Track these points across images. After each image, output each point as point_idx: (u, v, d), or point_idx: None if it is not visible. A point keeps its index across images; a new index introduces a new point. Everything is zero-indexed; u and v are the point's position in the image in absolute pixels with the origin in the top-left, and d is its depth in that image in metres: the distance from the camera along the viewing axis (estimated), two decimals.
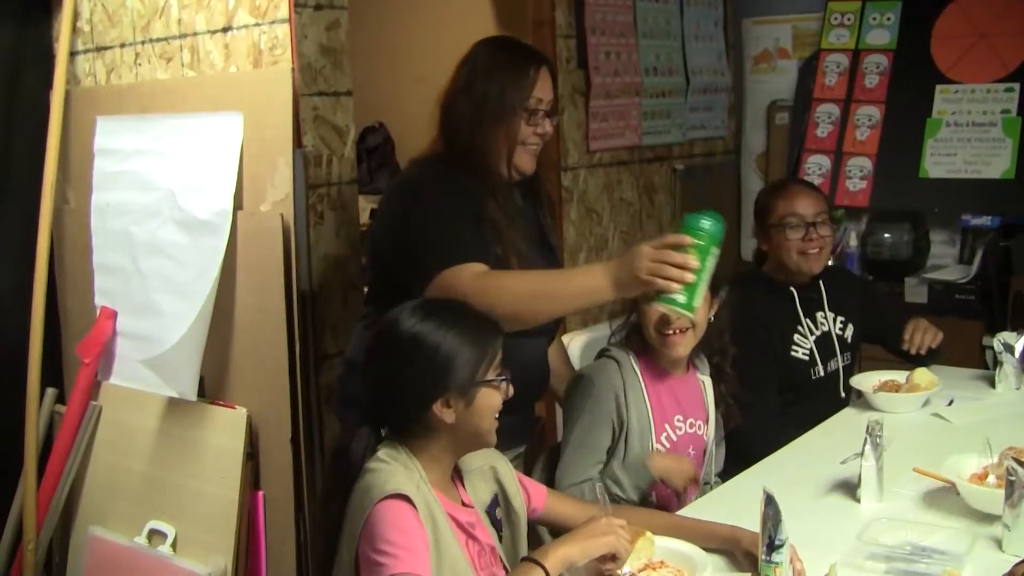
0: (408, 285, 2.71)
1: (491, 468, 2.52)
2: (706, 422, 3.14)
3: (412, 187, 2.97)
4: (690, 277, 2.44)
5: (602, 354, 3.09)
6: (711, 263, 2.50)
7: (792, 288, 3.75)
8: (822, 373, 3.76)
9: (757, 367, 3.55)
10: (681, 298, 2.46)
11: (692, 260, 2.45)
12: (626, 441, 2.97)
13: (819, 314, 3.79)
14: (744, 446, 3.33)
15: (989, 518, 2.58)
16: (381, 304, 2.81)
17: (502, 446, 2.57)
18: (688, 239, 2.46)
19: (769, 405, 3.57)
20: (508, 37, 3.32)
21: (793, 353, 3.72)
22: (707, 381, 3.17)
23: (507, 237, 2.86)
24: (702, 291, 2.50)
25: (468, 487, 2.46)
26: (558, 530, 2.62)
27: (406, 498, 2.20)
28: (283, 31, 3.46)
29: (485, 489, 2.50)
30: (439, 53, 6.77)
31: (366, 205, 6.21)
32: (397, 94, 6.86)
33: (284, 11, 3.45)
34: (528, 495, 2.59)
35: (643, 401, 3.00)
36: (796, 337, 3.73)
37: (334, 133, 3.58)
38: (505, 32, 6.42)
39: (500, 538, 2.49)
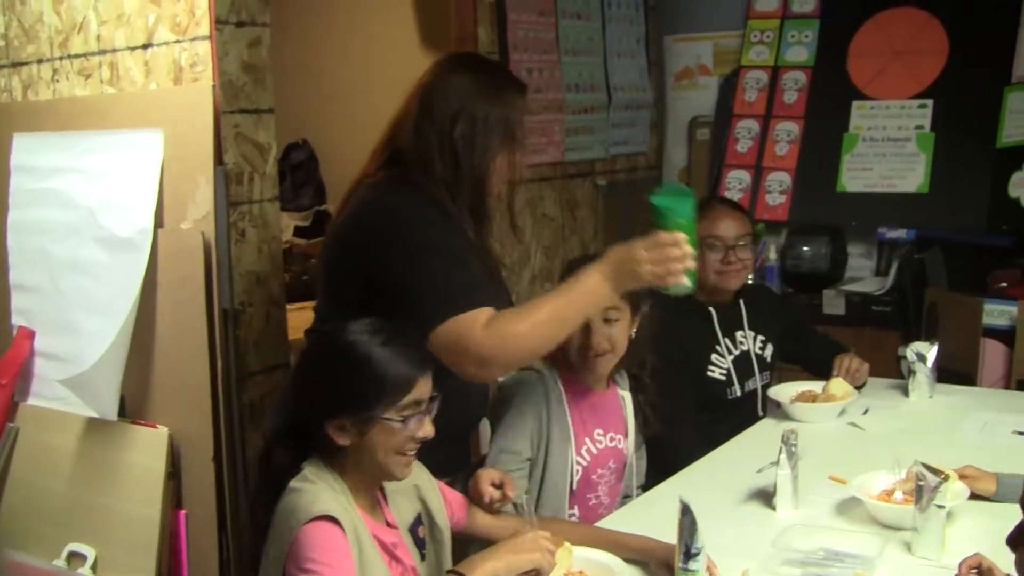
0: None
1: (414, 486, 2.52)
2: (625, 436, 3.17)
3: (396, 219, 2.71)
4: (691, 263, 2.52)
5: (525, 367, 3.12)
6: (696, 238, 2.57)
7: (711, 308, 3.78)
8: (739, 393, 3.79)
9: (674, 382, 3.59)
10: (688, 282, 2.54)
11: (688, 247, 2.51)
12: (547, 453, 3.00)
13: (739, 333, 3.83)
14: (664, 459, 3.37)
15: (900, 524, 2.63)
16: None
17: (443, 474, 2.65)
18: (681, 236, 2.50)
19: (686, 420, 3.60)
20: (480, 57, 3.34)
21: (709, 373, 3.75)
22: (627, 396, 3.20)
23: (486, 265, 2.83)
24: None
25: (391, 506, 2.46)
26: (483, 543, 2.64)
27: (333, 519, 2.20)
28: (204, 48, 3.46)
29: (408, 508, 2.50)
30: (363, 70, 6.86)
31: (289, 222, 6.22)
32: (321, 111, 6.86)
33: (205, 28, 3.45)
34: (452, 509, 2.61)
35: (564, 415, 3.03)
36: (713, 356, 3.76)
37: (256, 150, 3.57)
38: (429, 48, 6.46)
39: (423, 556, 2.49)
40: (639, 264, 2.51)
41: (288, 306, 3.79)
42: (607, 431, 3.13)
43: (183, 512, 3.47)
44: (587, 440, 3.07)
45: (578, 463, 3.04)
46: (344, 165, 7.01)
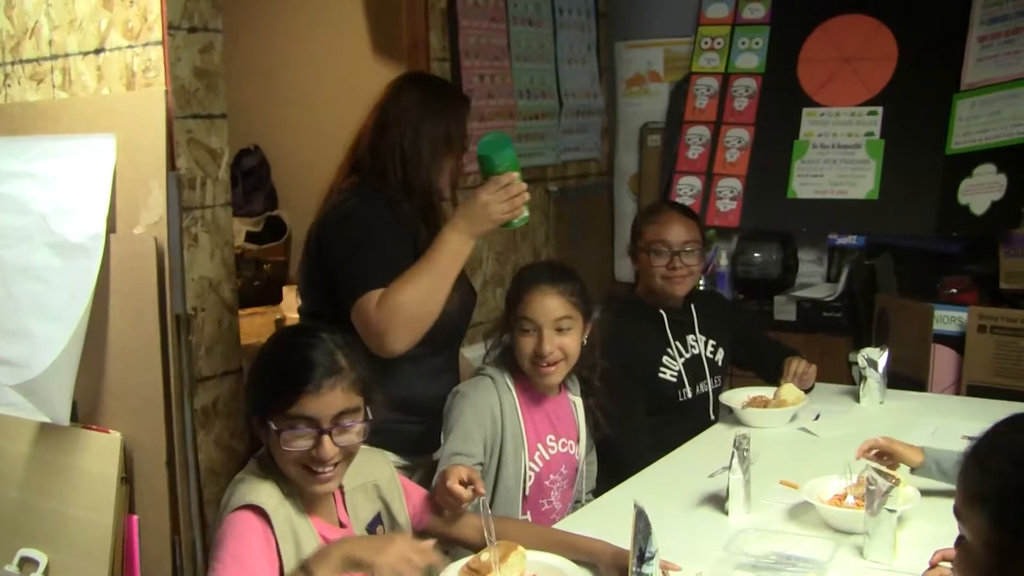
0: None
1: (374, 485, 2.53)
2: (577, 442, 3.19)
3: (345, 221, 3.07)
4: (527, 195, 2.94)
5: (478, 372, 3.12)
6: (519, 174, 2.96)
7: (661, 311, 3.80)
8: (690, 395, 3.80)
9: (626, 386, 3.61)
10: (527, 213, 2.98)
11: (522, 185, 2.93)
12: (500, 458, 3.00)
13: (690, 337, 3.85)
14: (617, 462, 3.39)
15: (851, 528, 2.65)
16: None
17: (415, 453, 2.90)
18: (514, 174, 2.92)
19: (638, 423, 3.62)
20: (432, 77, 3.76)
21: (661, 375, 3.76)
22: (578, 402, 3.22)
23: None
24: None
25: (349, 505, 2.46)
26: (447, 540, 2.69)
27: (259, 511, 2.21)
28: (156, 53, 3.45)
29: (367, 507, 2.51)
30: (315, 77, 6.84)
31: (241, 228, 6.20)
32: (273, 117, 6.84)
33: (157, 33, 3.44)
34: (415, 505, 2.62)
35: (517, 420, 3.03)
36: (664, 359, 3.77)
37: (208, 156, 3.57)
38: (380, 55, 6.46)
39: None
40: (486, 207, 2.91)
41: (240, 311, 3.78)
42: (559, 436, 3.14)
43: (135, 517, 3.46)
44: (540, 446, 3.08)
45: (531, 469, 3.05)
46: (295, 171, 7.07)
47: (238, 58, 5.67)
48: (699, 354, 3.84)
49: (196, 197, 3.53)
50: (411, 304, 2.84)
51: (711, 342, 3.88)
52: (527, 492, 3.03)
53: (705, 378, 3.85)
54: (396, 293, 2.84)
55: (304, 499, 2.32)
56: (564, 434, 3.16)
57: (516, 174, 2.93)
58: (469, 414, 2.97)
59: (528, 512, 3.04)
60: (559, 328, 3.01)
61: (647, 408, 3.69)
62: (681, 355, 3.79)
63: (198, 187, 3.53)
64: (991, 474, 1.65)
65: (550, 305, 3.01)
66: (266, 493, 2.25)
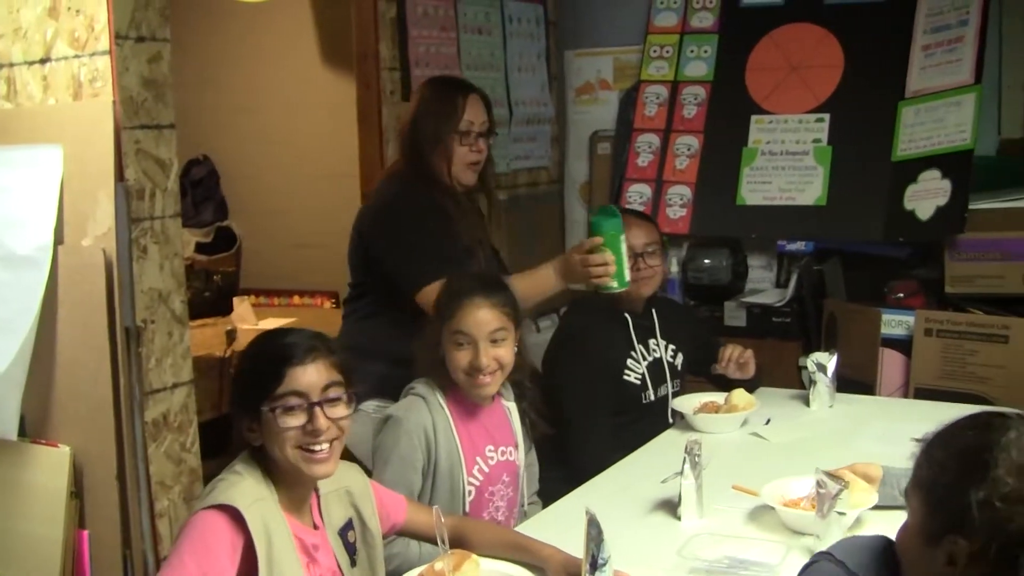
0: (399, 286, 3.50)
1: (346, 492, 2.55)
2: (516, 447, 3.19)
3: (395, 207, 3.63)
4: (612, 268, 3.40)
5: (408, 392, 3.10)
6: (623, 246, 3.45)
7: (626, 314, 3.84)
8: (653, 398, 3.86)
9: (591, 389, 3.65)
10: (614, 283, 3.45)
11: (608, 255, 3.39)
12: (434, 478, 3.00)
13: (651, 341, 3.89)
14: (584, 458, 3.41)
15: (802, 531, 2.67)
16: (372, 299, 3.70)
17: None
18: (598, 240, 3.40)
19: (601, 426, 3.65)
20: (448, 75, 4.18)
21: (626, 376, 3.81)
22: (512, 407, 3.22)
23: (470, 235, 3.65)
24: (626, 267, 3.46)
25: (323, 508, 2.49)
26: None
27: (231, 511, 2.23)
28: (104, 63, 3.43)
29: (339, 513, 2.53)
30: (264, 86, 6.84)
31: (191, 238, 6.18)
32: (222, 127, 6.83)
33: (105, 43, 3.42)
34: (387, 512, 2.64)
35: (452, 438, 3.02)
36: (629, 362, 3.82)
37: (157, 166, 3.55)
38: (330, 64, 6.46)
39: (354, 561, 2.51)
40: (573, 266, 3.45)
41: (191, 323, 3.76)
42: (498, 445, 3.14)
43: (86, 532, 3.43)
44: (478, 459, 3.07)
45: (471, 483, 3.04)
46: (246, 181, 7.05)
47: (187, 68, 5.66)
48: (660, 358, 3.88)
49: (145, 208, 3.50)
50: None
51: (671, 346, 3.93)
52: (467, 508, 3.02)
53: (666, 381, 3.91)
54: None
55: (284, 498, 2.36)
56: (503, 442, 3.16)
57: (599, 240, 3.41)
58: (404, 442, 2.96)
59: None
60: (493, 340, 3.01)
61: (612, 409, 3.75)
62: (644, 358, 3.83)
63: (147, 198, 3.51)
64: (933, 464, 1.67)
65: (484, 318, 3.01)
66: (241, 492, 2.27)
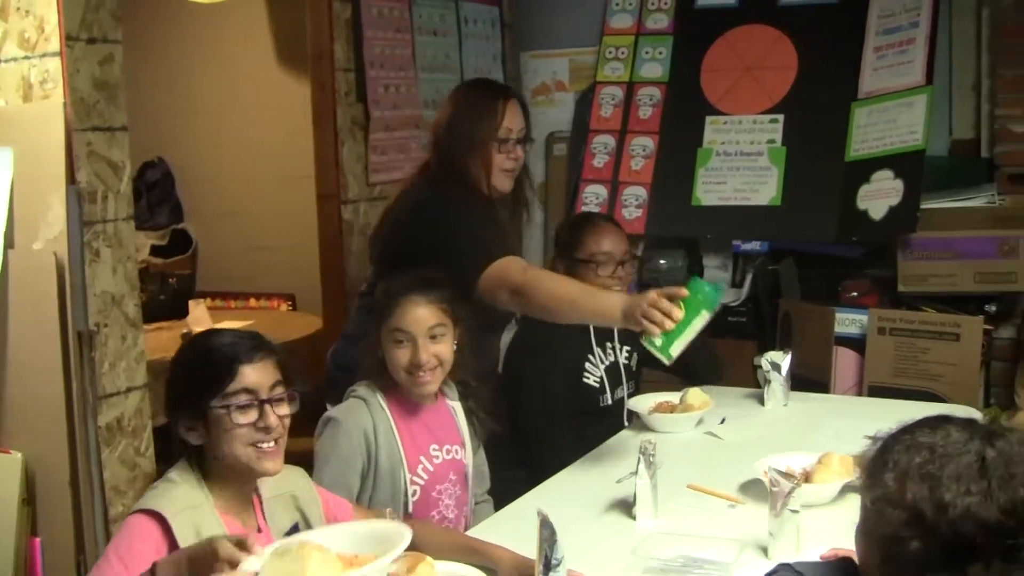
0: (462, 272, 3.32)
1: (292, 496, 2.55)
2: (462, 446, 3.19)
3: (438, 203, 3.55)
4: (669, 325, 2.95)
5: (350, 395, 3.10)
6: (698, 322, 3.03)
7: None
8: (610, 401, 3.88)
9: (550, 391, 3.67)
10: (657, 341, 3.00)
11: (677, 311, 2.96)
12: (375, 480, 3.00)
13: (608, 344, 3.90)
14: (542, 458, 3.43)
15: (756, 529, 2.68)
16: None
17: None
18: (683, 292, 3.01)
19: (560, 427, 3.66)
20: (484, 78, 4.07)
21: (585, 379, 3.84)
22: (456, 406, 3.23)
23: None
24: (681, 342, 3.02)
25: (267, 513, 2.48)
26: None
27: (157, 516, 2.24)
28: (54, 65, 3.41)
29: (284, 516, 2.52)
30: (219, 87, 6.81)
31: (145, 241, 6.15)
32: (177, 129, 6.81)
33: (55, 44, 3.40)
34: (334, 515, 2.63)
35: (393, 439, 3.02)
36: (588, 364, 3.84)
37: (109, 169, 3.53)
38: (285, 65, 6.44)
39: None
40: (642, 300, 2.99)
41: (146, 326, 3.75)
42: (443, 444, 3.13)
43: (38, 540, 3.40)
44: (422, 458, 3.07)
45: (415, 483, 3.04)
46: (201, 183, 7.03)
47: (141, 69, 5.63)
48: (616, 360, 3.90)
49: (97, 211, 3.49)
50: (543, 294, 3.25)
51: (627, 348, 3.94)
52: (411, 508, 3.02)
53: (622, 383, 3.93)
54: (543, 278, 3.37)
55: (223, 502, 2.36)
56: (448, 441, 3.15)
57: (684, 294, 2.99)
58: (343, 444, 2.97)
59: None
60: (432, 336, 3.02)
61: (570, 411, 3.77)
62: (602, 361, 3.85)
63: (99, 201, 3.49)
64: (885, 463, 1.68)
65: (422, 315, 3.02)
66: (171, 499, 2.28)
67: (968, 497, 1.50)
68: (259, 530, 2.43)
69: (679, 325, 2.98)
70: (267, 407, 2.37)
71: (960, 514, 1.50)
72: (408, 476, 3.02)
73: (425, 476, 3.06)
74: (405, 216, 3.64)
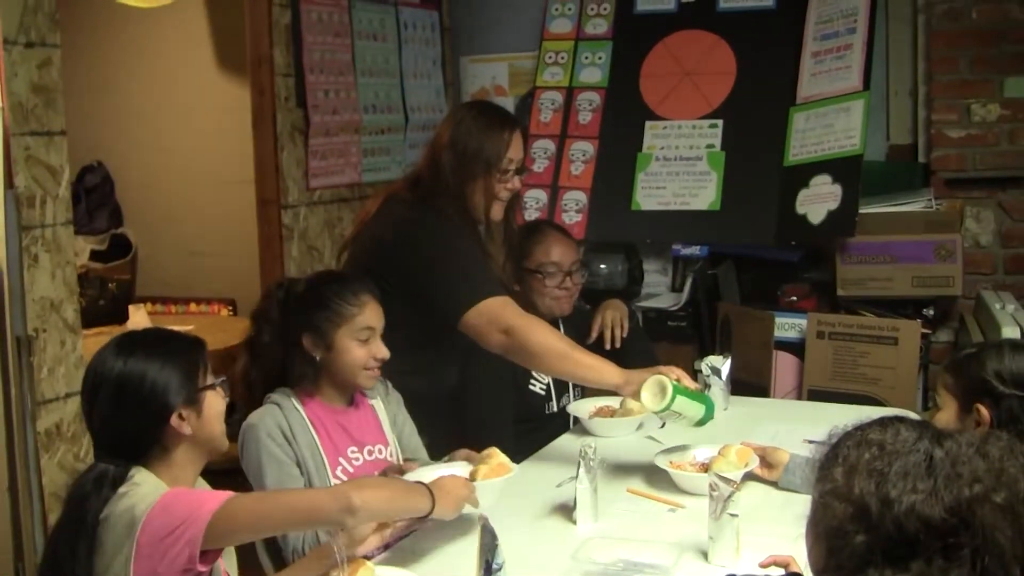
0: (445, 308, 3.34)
1: None
2: (387, 445, 3.19)
3: (428, 225, 3.45)
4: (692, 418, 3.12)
5: (265, 401, 3.05)
6: (690, 411, 3.12)
7: None
8: (555, 408, 3.91)
9: (495, 397, 3.68)
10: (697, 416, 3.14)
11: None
12: (307, 479, 2.98)
13: None
14: None
15: (697, 533, 2.70)
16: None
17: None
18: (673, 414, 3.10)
19: (503, 433, 3.66)
20: (489, 103, 3.91)
21: (531, 387, 3.87)
22: (378, 404, 3.23)
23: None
24: (693, 409, 3.12)
25: None
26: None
27: None
28: None
29: None
30: (159, 91, 6.78)
31: (84, 246, 6.10)
32: (116, 133, 6.77)
33: None
34: None
35: (312, 438, 2.99)
36: (534, 372, 3.85)
37: (48, 173, 3.51)
38: (224, 69, 6.42)
39: None
40: (631, 385, 3.15)
41: (85, 331, 3.72)
42: (364, 446, 3.12)
43: None
44: (341, 460, 3.05)
45: (336, 483, 3.03)
46: (141, 188, 6.98)
47: (79, 73, 5.59)
48: None
49: (36, 216, 3.47)
50: (543, 343, 3.26)
51: None
52: None
53: (568, 391, 3.95)
54: (542, 326, 3.34)
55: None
56: (369, 441, 3.14)
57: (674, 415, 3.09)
58: (267, 443, 2.93)
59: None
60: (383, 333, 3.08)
61: (514, 417, 3.79)
62: None
63: (37, 205, 3.47)
64: (836, 457, 1.70)
65: (380, 312, 3.07)
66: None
67: (914, 495, 1.52)
68: None
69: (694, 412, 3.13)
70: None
71: (905, 510, 1.52)
72: (330, 477, 3.02)
73: (345, 477, 3.05)
74: (390, 231, 3.53)
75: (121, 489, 2.29)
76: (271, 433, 2.94)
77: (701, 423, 3.14)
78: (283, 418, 2.97)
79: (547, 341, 3.27)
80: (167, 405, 2.34)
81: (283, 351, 3.04)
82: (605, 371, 3.23)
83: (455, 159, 3.50)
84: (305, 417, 3.01)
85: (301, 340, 3.01)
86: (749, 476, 3.04)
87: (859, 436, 1.63)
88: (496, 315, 3.28)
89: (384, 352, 3.04)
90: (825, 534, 1.60)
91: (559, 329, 3.88)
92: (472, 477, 2.87)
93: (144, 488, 2.28)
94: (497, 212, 3.58)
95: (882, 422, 1.65)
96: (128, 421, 2.35)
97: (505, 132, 3.53)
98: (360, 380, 3.07)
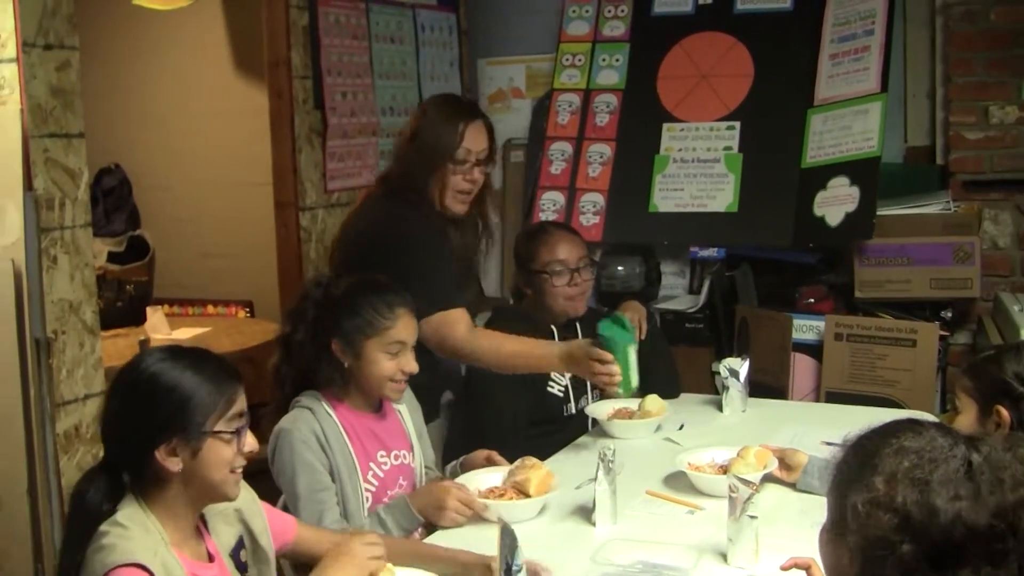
0: None
1: (235, 510, 2.48)
2: (410, 450, 3.20)
3: (394, 222, 3.53)
4: (617, 379, 3.28)
5: (294, 405, 3.06)
6: (632, 355, 3.33)
7: (552, 327, 3.86)
8: (574, 410, 3.88)
9: (511, 399, 3.67)
10: (619, 390, 3.36)
11: (613, 368, 3.25)
12: (339, 485, 2.99)
13: None
14: None
15: (715, 535, 2.70)
16: None
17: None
18: (608, 356, 3.26)
19: (518, 436, 3.65)
20: (453, 95, 3.93)
21: (549, 389, 3.84)
22: (403, 410, 3.24)
23: (462, 258, 3.68)
24: (633, 375, 3.34)
25: (212, 532, 2.42)
26: (306, 563, 2.65)
27: (142, 567, 2.14)
28: (11, 71, 3.39)
29: (228, 532, 2.46)
30: (176, 93, 6.79)
31: (102, 248, 6.12)
32: (134, 135, 6.78)
33: (11, 50, 3.38)
34: (277, 529, 2.59)
35: (344, 443, 3.01)
36: (553, 374, 3.83)
37: (66, 175, 3.52)
38: (242, 71, 6.42)
39: None
40: (582, 363, 3.30)
41: (103, 333, 3.73)
42: (390, 450, 3.13)
43: None
44: (372, 465, 3.07)
45: (366, 489, 3.04)
46: (158, 190, 7.00)
47: (98, 76, 5.60)
48: None
49: (55, 218, 3.48)
50: (485, 355, 3.45)
51: None
52: (366, 513, 3.02)
53: (586, 393, 3.93)
54: (485, 339, 3.48)
55: (173, 536, 2.27)
56: (395, 446, 3.15)
57: (609, 357, 3.26)
58: (301, 450, 2.94)
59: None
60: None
61: (531, 420, 3.77)
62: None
63: (56, 207, 3.48)
64: (840, 466, 1.69)
65: (414, 326, 3.07)
66: (140, 547, 2.17)
67: (959, 502, 1.51)
68: (210, 558, 2.37)
69: (623, 371, 3.29)
70: (248, 431, 2.34)
71: (951, 519, 1.51)
72: (361, 482, 3.02)
73: (375, 483, 3.06)
74: (364, 228, 3.64)
75: (103, 527, 2.20)
76: (305, 439, 2.94)
77: (625, 388, 3.36)
78: (317, 424, 2.97)
79: (501, 350, 3.45)
80: (161, 432, 2.23)
81: (314, 352, 3.05)
82: (547, 361, 3.46)
83: (414, 151, 3.58)
84: (338, 423, 3.01)
85: (331, 344, 3.02)
86: (767, 478, 3.05)
87: (895, 443, 1.61)
88: (449, 332, 3.41)
89: (413, 366, 3.04)
90: (865, 545, 1.58)
91: (577, 333, 3.89)
92: (524, 488, 2.95)
93: (119, 540, 2.17)
94: (456, 204, 3.60)
95: (913, 428, 1.64)
96: (124, 430, 2.28)
97: (461, 123, 3.56)
98: (386, 392, 3.07)
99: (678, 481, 3.13)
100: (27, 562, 3.35)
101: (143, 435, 2.24)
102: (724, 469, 3.03)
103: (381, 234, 3.53)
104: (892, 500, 1.55)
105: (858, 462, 1.63)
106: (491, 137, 3.66)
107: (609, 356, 3.26)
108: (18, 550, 3.36)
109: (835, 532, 1.65)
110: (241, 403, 2.31)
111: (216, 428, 2.26)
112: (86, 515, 2.24)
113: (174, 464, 2.23)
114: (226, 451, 2.28)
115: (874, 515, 1.56)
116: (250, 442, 2.33)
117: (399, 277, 3.20)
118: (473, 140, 3.57)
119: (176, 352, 2.33)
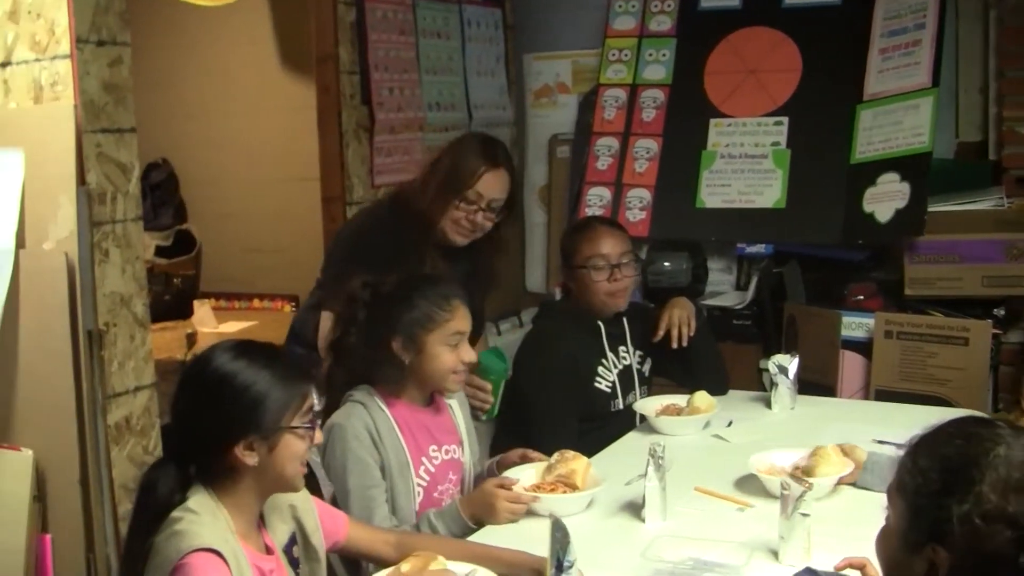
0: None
1: (289, 506, 2.52)
2: (460, 445, 3.21)
3: (362, 219, 3.86)
4: (487, 405, 3.63)
5: (347, 399, 3.09)
6: (501, 386, 3.66)
7: (600, 322, 3.86)
8: (621, 406, 3.88)
9: (559, 397, 3.67)
10: (483, 416, 3.65)
11: (488, 396, 3.62)
12: (390, 481, 3.00)
13: (621, 348, 3.91)
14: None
15: (766, 532, 2.69)
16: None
17: None
18: (488, 385, 3.60)
19: (567, 431, 3.65)
20: (493, 138, 3.84)
21: (596, 384, 3.84)
22: (455, 404, 3.25)
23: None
24: (496, 404, 3.68)
25: (269, 528, 2.46)
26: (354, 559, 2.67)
27: (217, 553, 2.18)
28: (65, 67, 3.41)
29: (283, 528, 2.50)
30: (223, 89, 6.82)
31: (151, 242, 6.15)
32: (181, 130, 6.80)
33: (65, 47, 3.40)
34: (328, 527, 2.61)
35: (397, 438, 3.02)
36: (600, 369, 3.84)
37: (118, 170, 3.54)
38: (288, 68, 6.44)
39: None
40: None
41: (151, 326, 3.75)
42: (442, 445, 3.15)
43: (48, 536, 3.41)
44: (424, 460, 3.08)
45: (419, 484, 3.05)
46: (204, 185, 7.03)
47: (144, 71, 5.62)
48: (630, 365, 3.91)
49: (106, 212, 3.49)
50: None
51: (639, 353, 3.95)
52: (417, 508, 3.03)
53: (634, 389, 3.93)
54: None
55: (238, 530, 2.31)
56: (446, 441, 3.17)
57: (489, 387, 3.63)
58: (354, 446, 2.96)
59: None
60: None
61: (579, 415, 3.77)
62: (615, 366, 3.85)
63: (108, 202, 3.50)
64: (917, 471, 1.68)
65: (468, 315, 3.10)
66: (212, 533, 2.22)
67: None
68: (269, 551, 2.42)
69: (493, 401, 3.64)
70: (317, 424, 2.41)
71: None
72: (413, 477, 3.03)
73: (427, 477, 3.08)
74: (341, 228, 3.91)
75: (175, 513, 2.25)
76: (358, 435, 2.96)
77: (488, 413, 3.68)
78: (370, 419, 2.99)
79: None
80: (239, 430, 2.29)
81: (371, 353, 3.05)
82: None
83: (431, 173, 3.65)
84: (391, 418, 3.02)
85: (390, 343, 3.02)
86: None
87: (992, 450, 1.60)
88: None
89: (472, 356, 3.07)
90: (977, 559, 1.57)
91: (624, 328, 3.89)
92: (570, 481, 2.98)
93: (192, 526, 2.22)
94: (455, 236, 3.63)
95: (995, 432, 1.63)
96: (201, 427, 2.32)
97: (483, 167, 3.58)
98: (448, 384, 3.10)
99: (726, 478, 3.12)
100: (78, 551, 3.37)
101: (218, 432, 2.30)
102: (800, 470, 2.98)
103: (344, 226, 3.78)
104: (1003, 511, 1.54)
105: (947, 471, 1.62)
106: (512, 187, 3.70)
107: (488, 385, 3.59)
108: (70, 539, 3.38)
109: (914, 541, 1.64)
110: (312, 397, 2.37)
111: (293, 423, 2.33)
112: (155, 504, 2.28)
113: (251, 459, 2.29)
114: (300, 445, 2.35)
115: (986, 528, 1.55)
116: (318, 435, 2.40)
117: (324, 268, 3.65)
118: (488, 187, 3.59)
119: (246, 350, 2.37)
